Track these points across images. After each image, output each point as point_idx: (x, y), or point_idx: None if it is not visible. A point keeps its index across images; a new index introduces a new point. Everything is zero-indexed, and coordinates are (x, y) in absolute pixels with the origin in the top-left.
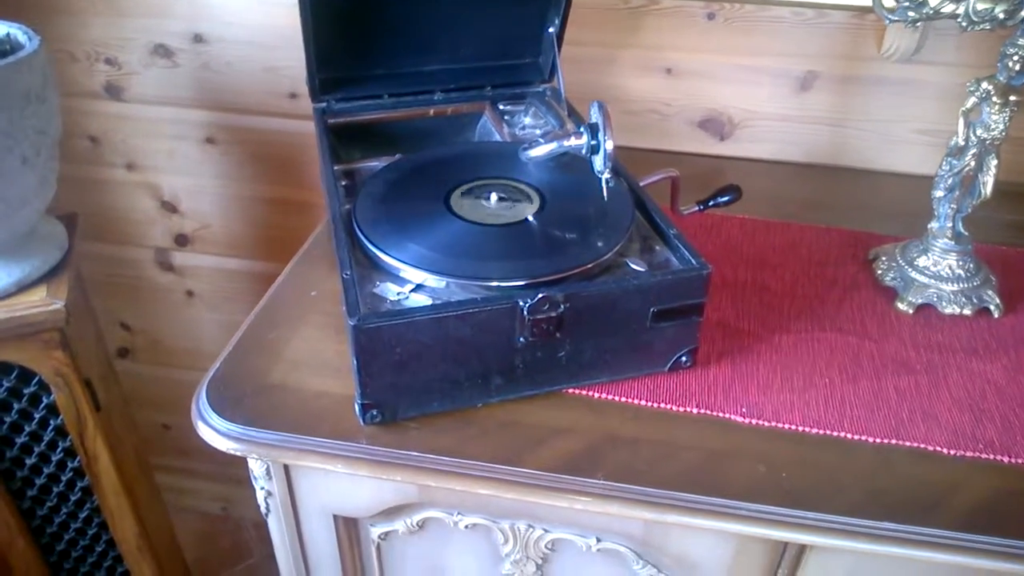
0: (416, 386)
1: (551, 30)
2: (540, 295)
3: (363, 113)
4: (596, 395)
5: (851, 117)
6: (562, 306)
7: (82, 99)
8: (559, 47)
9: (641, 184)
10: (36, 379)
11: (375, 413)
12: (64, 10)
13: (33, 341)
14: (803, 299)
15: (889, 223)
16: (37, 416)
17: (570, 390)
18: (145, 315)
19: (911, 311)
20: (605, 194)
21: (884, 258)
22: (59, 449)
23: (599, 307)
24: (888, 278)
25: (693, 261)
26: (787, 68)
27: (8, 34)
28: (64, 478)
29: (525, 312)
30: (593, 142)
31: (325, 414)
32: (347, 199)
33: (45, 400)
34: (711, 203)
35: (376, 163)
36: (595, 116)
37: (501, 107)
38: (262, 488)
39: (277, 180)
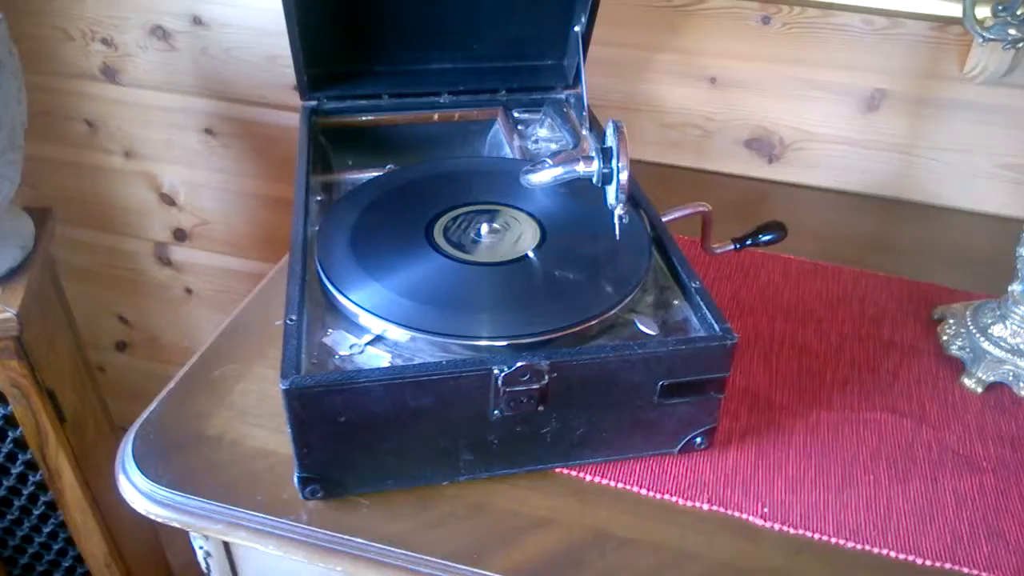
0: (366, 461)
1: (577, 28)
2: (518, 364)
3: (358, 115)
4: (588, 477)
5: (924, 145)
6: (547, 376)
7: (79, 80)
8: (585, 48)
9: (665, 219)
10: None
11: (316, 488)
12: None
13: None
14: (851, 365)
15: (961, 274)
16: None
17: (558, 469)
18: (143, 310)
19: (980, 390)
20: (617, 232)
21: (951, 320)
22: (19, 462)
23: (595, 379)
24: (954, 347)
25: (716, 327)
26: (852, 84)
27: None
28: (25, 492)
29: (499, 383)
30: (606, 170)
31: (263, 480)
32: (319, 218)
33: (2, 411)
34: (749, 242)
35: (364, 175)
36: (610, 139)
37: (516, 114)
38: (200, 547)
39: (279, 178)
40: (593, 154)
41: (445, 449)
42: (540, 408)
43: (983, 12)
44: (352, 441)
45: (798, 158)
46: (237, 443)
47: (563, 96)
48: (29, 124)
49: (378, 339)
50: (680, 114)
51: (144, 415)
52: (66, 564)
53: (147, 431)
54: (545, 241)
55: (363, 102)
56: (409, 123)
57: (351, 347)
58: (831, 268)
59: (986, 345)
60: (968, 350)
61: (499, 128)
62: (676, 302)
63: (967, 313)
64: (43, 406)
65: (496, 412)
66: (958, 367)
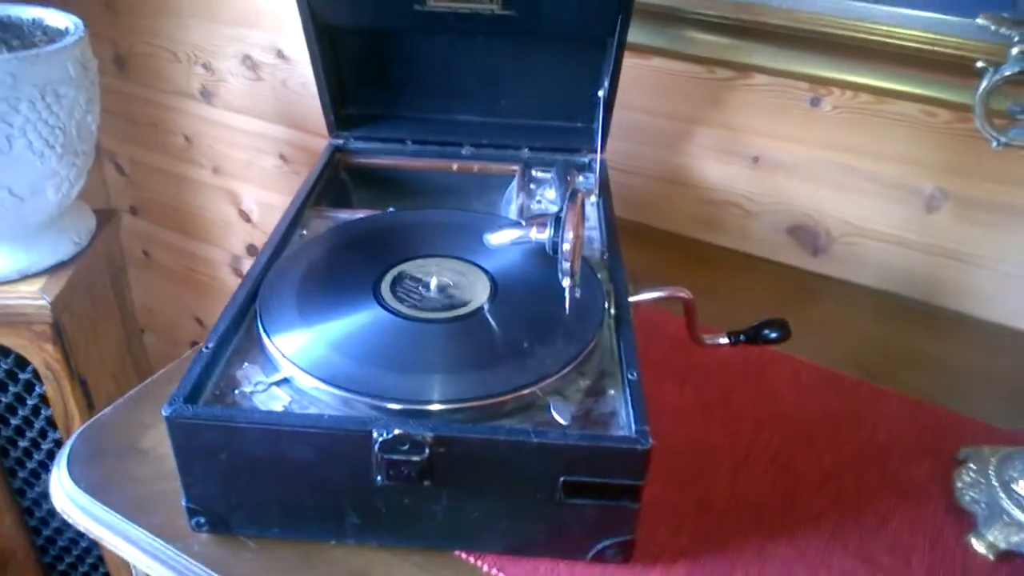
0: (250, 503)
1: (599, 93)
2: (395, 431)
3: (381, 156)
4: (486, 567)
5: (987, 255)
6: (429, 450)
7: (181, 98)
8: (608, 114)
9: (635, 299)
10: (30, 367)
11: (201, 521)
12: (168, 11)
13: (25, 330)
14: (835, 497)
15: (1006, 409)
16: (29, 403)
17: (456, 551)
18: (216, 313)
19: (991, 557)
20: (567, 307)
21: (972, 465)
22: (48, 439)
23: (486, 462)
24: (968, 497)
25: (633, 426)
26: (909, 180)
27: (35, 20)
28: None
29: (376, 449)
30: (556, 239)
31: (168, 501)
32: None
33: (38, 389)
34: (744, 338)
35: (362, 214)
36: (562, 205)
37: (535, 173)
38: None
39: None
40: (550, 221)
41: (330, 507)
42: (426, 483)
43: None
44: (234, 481)
45: (844, 253)
46: (162, 460)
47: (586, 160)
48: (139, 134)
49: (285, 381)
50: (721, 191)
51: (96, 416)
52: (84, 544)
53: (90, 432)
54: (493, 302)
55: (387, 145)
56: (429, 170)
57: (255, 384)
58: (850, 381)
59: (1006, 503)
60: (983, 504)
61: (515, 185)
62: (612, 392)
63: (992, 459)
64: (72, 391)
65: (379, 478)
66: (968, 523)
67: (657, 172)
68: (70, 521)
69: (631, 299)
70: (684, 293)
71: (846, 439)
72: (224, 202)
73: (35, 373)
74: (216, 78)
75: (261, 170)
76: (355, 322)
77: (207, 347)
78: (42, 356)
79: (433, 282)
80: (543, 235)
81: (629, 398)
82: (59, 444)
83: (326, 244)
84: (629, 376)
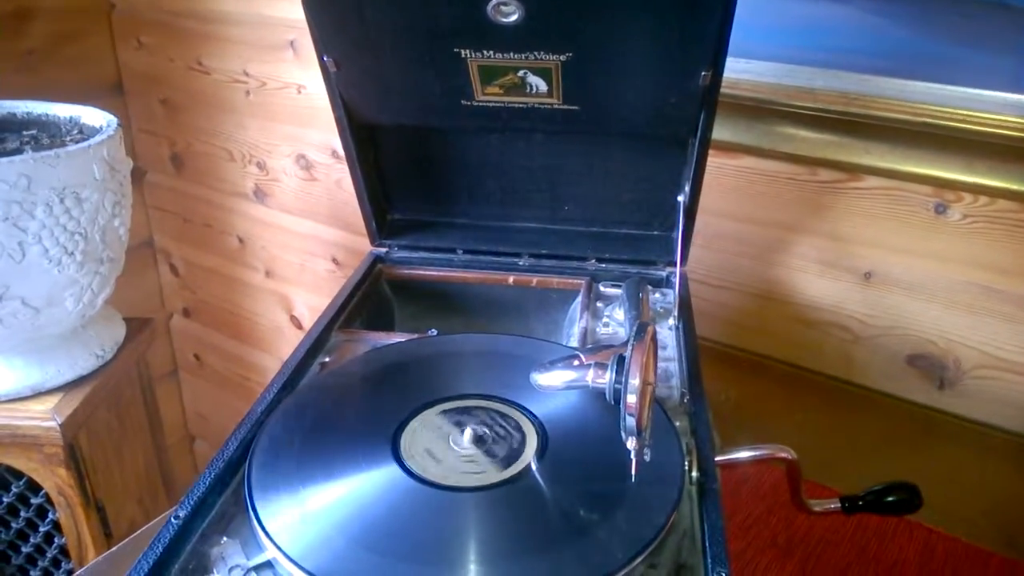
0: None
1: (679, 198)
2: None
3: (428, 268)
4: None
5: None
6: None
7: (235, 198)
8: (690, 222)
9: (726, 459)
10: (42, 492)
11: None
12: (225, 109)
13: (36, 452)
14: None
15: None
16: (42, 530)
17: None
18: None
19: None
20: (633, 473)
21: None
22: (62, 569)
23: None
24: None
25: None
26: None
27: (72, 118)
28: None
29: None
30: (618, 384)
31: None
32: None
33: (51, 515)
34: (861, 503)
35: (398, 338)
36: (629, 344)
37: (603, 289)
38: None
39: None
40: (612, 363)
41: None
42: None
43: None
44: None
45: (978, 389)
46: None
47: (663, 274)
48: (194, 234)
49: (268, 565)
50: (825, 311)
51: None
52: None
53: None
54: (541, 462)
55: (435, 255)
56: (481, 283)
57: (231, 569)
58: (998, 561)
59: None
60: None
61: (578, 303)
62: None
63: None
64: (87, 519)
65: None
66: None
67: (749, 286)
68: None
69: (719, 460)
70: (786, 453)
71: None
72: (276, 307)
73: (48, 498)
74: (270, 178)
75: (313, 274)
76: (364, 488)
77: (176, 516)
78: (54, 480)
79: (468, 434)
80: (603, 380)
81: None
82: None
83: (345, 380)
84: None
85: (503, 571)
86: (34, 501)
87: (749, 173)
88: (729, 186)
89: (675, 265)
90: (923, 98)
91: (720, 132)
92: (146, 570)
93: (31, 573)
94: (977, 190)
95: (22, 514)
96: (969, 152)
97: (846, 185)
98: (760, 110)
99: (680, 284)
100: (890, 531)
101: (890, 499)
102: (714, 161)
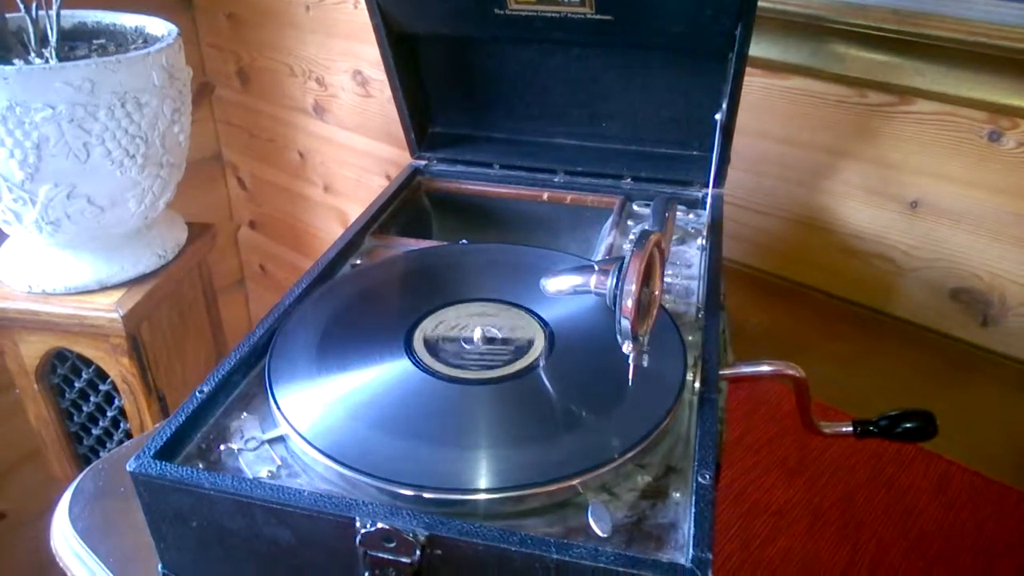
0: None
1: (717, 116)
2: (377, 525)
3: (464, 181)
4: None
5: None
6: (419, 552)
7: (296, 113)
8: (727, 141)
9: (731, 373)
10: (109, 379)
11: None
12: (287, 24)
13: (103, 342)
14: None
15: None
16: (109, 415)
17: None
18: None
19: None
20: (630, 378)
21: None
22: None
23: (492, 568)
24: None
25: (691, 551)
26: None
27: (137, 28)
28: None
29: (357, 542)
30: (618, 290)
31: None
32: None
33: (117, 402)
34: (873, 428)
35: (427, 244)
36: (629, 250)
37: (635, 207)
38: None
39: None
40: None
41: None
42: None
43: None
44: (208, 551)
45: (1023, 326)
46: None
47: (698, 194)
48: (259, 148)
49: (279, 440)
50: (867, 240)
51: (113, 451)
52: None
53: (102, 467)
54: (545, 362)
55: (472, 168)
56: (516, 198)
57: (247, 440)
58: (1015, 495)
59: None
60: None
61: (613, 221)
62: (676, 495)
63: None
64: (149, 407)
65: (366, 575)
66: None
67: (791, 212)
68: (60, 565)
69: (723, 372)
70: (794, 370)
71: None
72: (334, 221)
73: (114, 385)
74: (328, 93)
75: (368, 190)
76: (374, 377)
77: (201, 391)
78: (119, 369)
79: (478, 333)
80: (605, 285)
81: (695, 510)
82: None
83: (368, 280)
84: (700, 478)
85: (487, 458)
86: (102, 388)
87: (797, 94)
88: (776, 108)
89: (709, 186)
90: (981, 15)
91: (769, 50)
92: (164, 439)
93: (100, 454)
94: None
95: (92, 399)
96: None
97: (896, 109)
98: (810, 27)
99: (713, 205)
100: (907, 460)
101: (905, 425)
102: (761, 81)
